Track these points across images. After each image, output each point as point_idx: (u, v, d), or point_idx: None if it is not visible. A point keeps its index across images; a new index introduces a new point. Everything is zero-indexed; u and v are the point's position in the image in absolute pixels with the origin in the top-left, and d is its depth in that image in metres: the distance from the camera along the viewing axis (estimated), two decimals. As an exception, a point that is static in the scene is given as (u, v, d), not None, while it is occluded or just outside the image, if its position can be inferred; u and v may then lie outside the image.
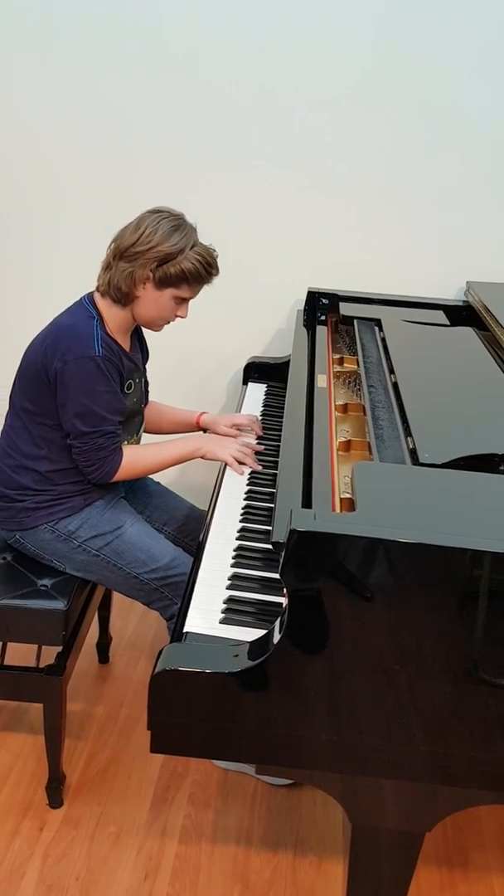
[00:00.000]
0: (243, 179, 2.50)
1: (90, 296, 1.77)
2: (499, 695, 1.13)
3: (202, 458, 1.87)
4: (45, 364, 1.68)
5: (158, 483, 2.10)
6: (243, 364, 2.51)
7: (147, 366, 1.99)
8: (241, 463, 1.84)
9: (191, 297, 1.76)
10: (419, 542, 1.06)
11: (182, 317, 1.78)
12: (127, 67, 2.41)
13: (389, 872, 1.33)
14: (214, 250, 1.73)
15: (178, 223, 1.68)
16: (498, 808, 1.91)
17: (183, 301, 1.75)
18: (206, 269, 1.70)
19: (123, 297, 1.71)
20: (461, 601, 1.08)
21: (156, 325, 1.80)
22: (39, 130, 2.52)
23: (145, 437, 2.09)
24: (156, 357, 2.04)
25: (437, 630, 1.10)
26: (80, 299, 1.78)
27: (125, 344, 1.79)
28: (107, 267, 1.73)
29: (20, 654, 1.88)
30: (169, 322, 1.80)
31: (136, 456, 1.79)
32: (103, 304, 1.74)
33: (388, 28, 2.30)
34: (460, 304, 2.45)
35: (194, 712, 1.18)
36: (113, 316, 1.74)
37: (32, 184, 2.59)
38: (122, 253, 1.68)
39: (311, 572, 1.09)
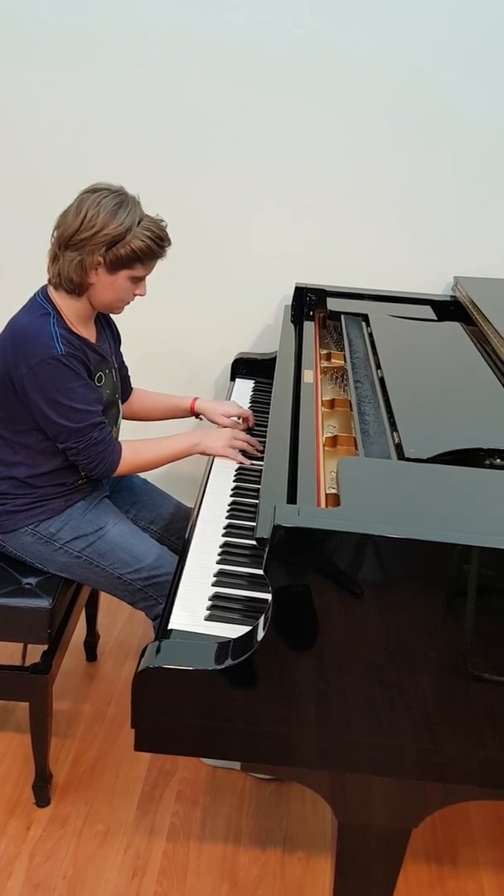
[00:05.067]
0: (233, 176, 2.49)
1: (44, 290, 1.70)
2: (486, 689, 1.13)
3: (200, 454, 1.85)
4: (7, 370, 1.63)
5: (145, 480, 2.07)
6: (231, 360, 2.50)
7: (126, 354, 1.95)
8: (241, 452, 1.84)
9: (146, 274, 1.69)
10: (404, 537, 1.05)
11: (141, 295, 1.72)
12: (119, 60, 2.39)
13: (377, 868, 1.33)
14: (162, 220, 1.65)
15: (121, 199, 1.60)
16: (487, 804, 1.91)
17: (139, 279, 1.68)
18: (157, 244, 1.62)
19: (77, 288, 1.64)
20: (447, 596, 1.08)
21: (116, 309, 1.74)
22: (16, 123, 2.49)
23: (137, 426, 2.07)
24: (142, 352, 2.02)
25: (423, 626, 1.09)
26: (35, 295, 1.71)
27: (89, 334, 1.73)
28: (54, 258, 1.65)
29: (6, 652, 1.87)
30: (129, 303, 1.74)
31: (135, 451, 1.75)
32: (58, 297, 1.67)
33: (381, 30, 2.29)
34: (448, 299, 2.45)
35: (178, 710, 1.18)
36: (70, 308, 1.67)
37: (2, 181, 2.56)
38: (67, 241, 1.60)
39: (295, 568, 1.08)
